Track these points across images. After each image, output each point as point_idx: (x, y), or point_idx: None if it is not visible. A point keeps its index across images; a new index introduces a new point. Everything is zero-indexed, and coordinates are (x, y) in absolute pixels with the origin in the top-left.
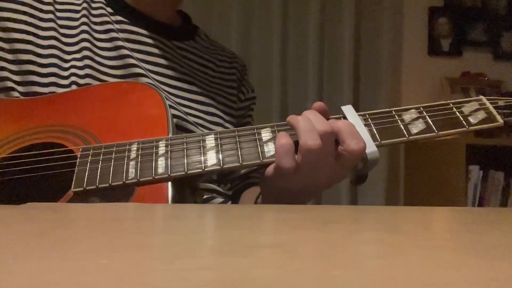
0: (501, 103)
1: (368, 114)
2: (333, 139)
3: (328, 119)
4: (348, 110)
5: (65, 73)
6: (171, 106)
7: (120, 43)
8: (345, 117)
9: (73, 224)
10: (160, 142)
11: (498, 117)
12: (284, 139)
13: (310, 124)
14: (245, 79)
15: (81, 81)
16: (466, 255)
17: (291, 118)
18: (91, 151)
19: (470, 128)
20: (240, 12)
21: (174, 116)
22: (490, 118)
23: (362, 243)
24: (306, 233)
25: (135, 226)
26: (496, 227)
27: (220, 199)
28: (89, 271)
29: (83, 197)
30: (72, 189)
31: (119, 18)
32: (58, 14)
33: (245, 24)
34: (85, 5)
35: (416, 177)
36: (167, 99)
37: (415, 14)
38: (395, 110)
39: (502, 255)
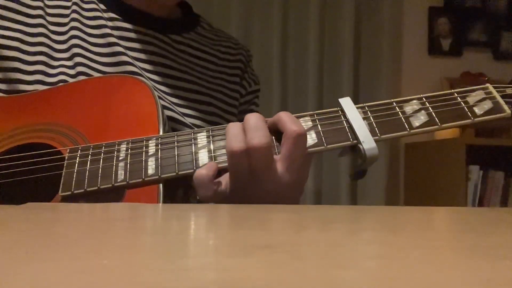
0: (509, 91)
1: (368, 106)
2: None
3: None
4: (346, 102)
5: (53, 71)
6: (167, 107)
7: (113, 39)
8: (343, 110)
9: (73, 224)
10: (150, 141)
11: (506, 107)
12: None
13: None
14: (248, 71)
15: (72, 80)
16: (466, 255)
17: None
18: (79, 152)
19: (475, 120)
20: (240, 10)
21: (170, 118)
22: (496, 108)
23: (362, 243)
24: (306, 233)
25: (135, 226)
26: (496, 227)
27: None
28: (90, 271)
29: (71, 201)
30: (60, 193)
31: (112, 15)
32: (48, 10)
33: (245, 22)
34: (75, 0)
35: (416, 177)
36: (163, 99)
37: (415, 14)
38: (396, 102)
39: (502, 255)
